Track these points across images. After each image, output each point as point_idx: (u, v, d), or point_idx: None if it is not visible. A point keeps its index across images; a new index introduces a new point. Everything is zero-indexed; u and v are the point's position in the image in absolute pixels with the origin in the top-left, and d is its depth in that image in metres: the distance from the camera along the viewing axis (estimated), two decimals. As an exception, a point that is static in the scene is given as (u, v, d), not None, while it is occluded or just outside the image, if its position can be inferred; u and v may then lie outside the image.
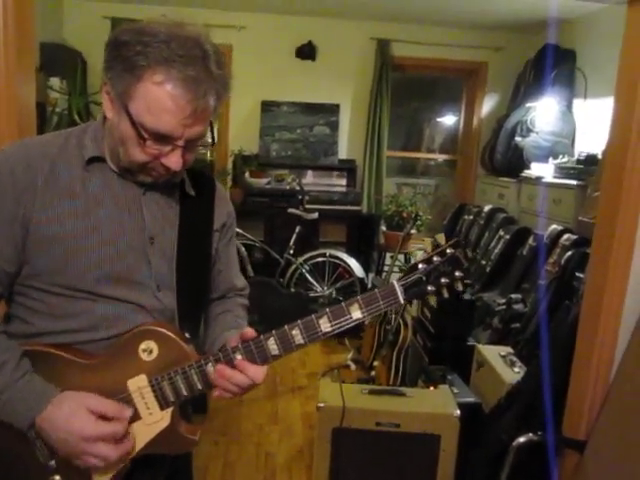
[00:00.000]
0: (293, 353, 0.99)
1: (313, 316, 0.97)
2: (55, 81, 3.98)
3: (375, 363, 3.35)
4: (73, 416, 0.92)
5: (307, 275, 4.28)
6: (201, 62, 0.87)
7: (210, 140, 1.00)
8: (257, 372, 0.97)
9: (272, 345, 0.97)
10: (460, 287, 1.01)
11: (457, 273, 0.99)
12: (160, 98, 0.87)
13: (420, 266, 0.99)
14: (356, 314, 0.97)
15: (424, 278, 0.99)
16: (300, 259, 4.26)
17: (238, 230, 4.14)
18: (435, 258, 0.99)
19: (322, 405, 2.08)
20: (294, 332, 0.97)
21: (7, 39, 1.61)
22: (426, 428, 2.05)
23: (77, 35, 4.40)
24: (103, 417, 0.93)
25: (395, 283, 0.98)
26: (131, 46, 0.86)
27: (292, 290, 4.21)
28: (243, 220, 4.37)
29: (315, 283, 4.33)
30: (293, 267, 4.25)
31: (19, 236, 0.95)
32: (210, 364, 0.97)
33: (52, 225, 0.95)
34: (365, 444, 2.08)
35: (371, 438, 2.07)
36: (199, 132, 0.93)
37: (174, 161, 0.93)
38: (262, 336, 0.97)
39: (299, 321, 0.97)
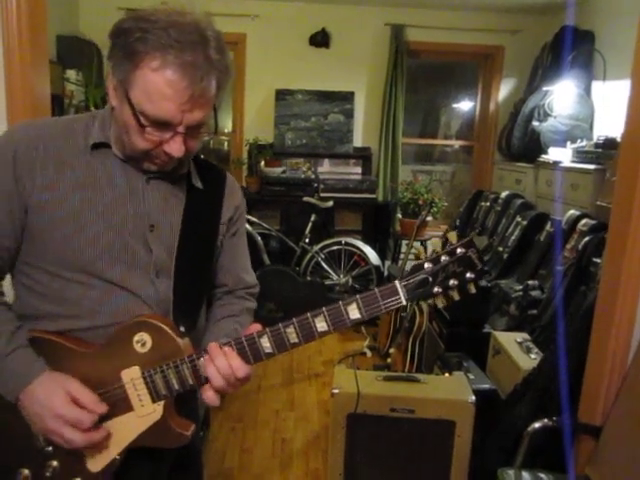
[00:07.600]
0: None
1: (309, 314, 0.93)
2: (71, 73, 4.02)
3: (391, 350, 3.36)
4: (52, 394, 0.94)
5: (323, 263, 4.29)
6: (199, 48, 0.87)
7: (214, 127, 0.99)
8: (240, 365, 0.95)
9: (265, 343, 0.94)
10: (473, 290, 0.93)
11: (469, 275, 0.92)
12: (157, 84, 0.87)
13: (426, 266, 0.92)
14: (354, 314, 0.92)
15: (430, 279, 0.92)
16: (316, 247, 4.26)
17: (254, 219, 4.16)
18: (443, 258, 0.92)
19: (336, 391, 2.09)
20: (289, 330, 0.94)
21: (21, 33, 1.64)
22: (441, 414, 2.05)
23: (93, 27, 4.42)
24: (77, 403, 0.94)
25: (397, 283, 0.92)
26: (131, 33, 0.87)
27: (308, 279, 4.22)
28: (259, 209, 4.40)
29: (331, 271, 4.34)
30: (309, 255, 4.26)
31: (17, 212, 0.96)
32: (202, 359, 0.96)
33: (52, 206, 0.96)
34: (380, 430, 2.09)
35: (386, 424, 2.08)
36: (199, 118, 0.92)
37: (176, 148, 0.93)
38: (255, 333, 0.95)
39: (294, 319, 0.94)
